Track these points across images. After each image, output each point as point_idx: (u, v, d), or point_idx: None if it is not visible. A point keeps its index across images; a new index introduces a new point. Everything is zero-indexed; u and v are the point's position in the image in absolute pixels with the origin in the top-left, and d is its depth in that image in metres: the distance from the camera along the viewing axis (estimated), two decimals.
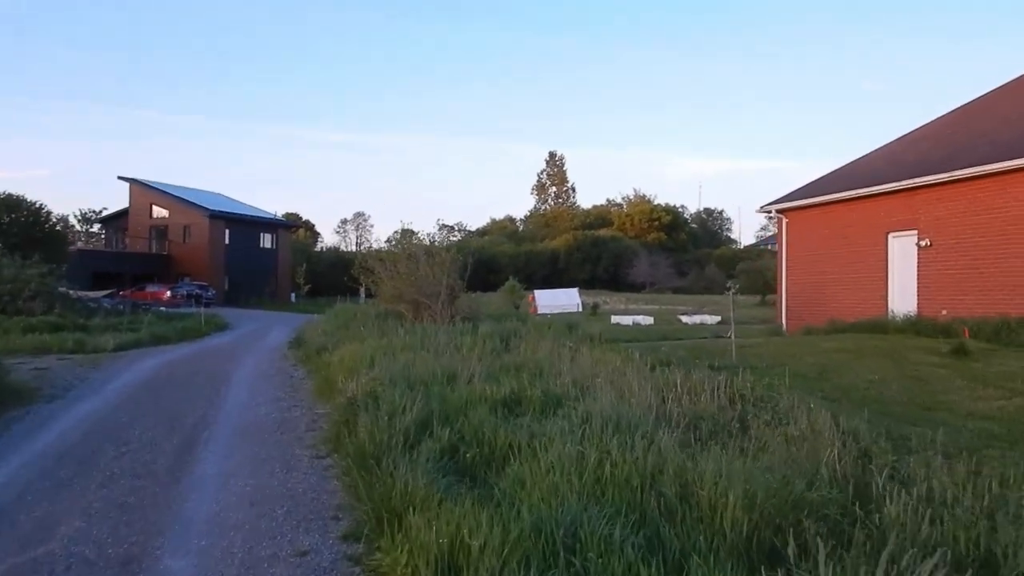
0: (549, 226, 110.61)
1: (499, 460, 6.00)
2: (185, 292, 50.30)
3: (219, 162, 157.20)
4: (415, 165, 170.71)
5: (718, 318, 46.96)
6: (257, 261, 62.74)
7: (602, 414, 6.55)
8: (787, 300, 24.77)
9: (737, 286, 18.75)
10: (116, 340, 21.04)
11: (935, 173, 19.15)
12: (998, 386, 11.53)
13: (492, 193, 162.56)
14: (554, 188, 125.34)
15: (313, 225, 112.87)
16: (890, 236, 21.04)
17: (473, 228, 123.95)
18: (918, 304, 19.96)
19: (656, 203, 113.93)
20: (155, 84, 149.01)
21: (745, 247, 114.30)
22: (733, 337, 14.50)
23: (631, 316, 45.13)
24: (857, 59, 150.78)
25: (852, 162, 24.86)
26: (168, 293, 49.51)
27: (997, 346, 15.87)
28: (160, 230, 61.17)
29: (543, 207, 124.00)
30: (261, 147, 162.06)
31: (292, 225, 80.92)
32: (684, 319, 45.63)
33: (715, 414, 7.40)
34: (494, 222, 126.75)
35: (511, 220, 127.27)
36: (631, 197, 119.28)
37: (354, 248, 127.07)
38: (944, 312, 19.09)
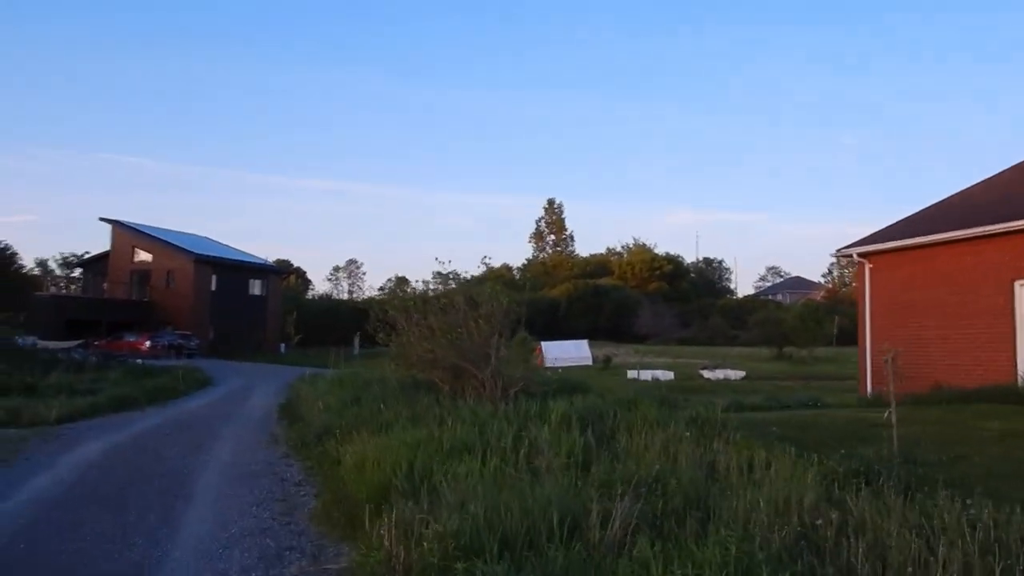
0: (548, 275, 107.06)
1: None
2: (166, 342, 46.26)
3: (209, 211, 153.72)
4: (409, 212, 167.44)
5: (742, 373, 43.32)
6: (245, 309, 58.62)
7: None
8: (872, 361, 20.81)
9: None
10: (66, 406, 16.91)
11: None
12: None
13: (488, 241, 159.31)
14: (552, 236, 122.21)
15: (304, 272, 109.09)
16: (1018, 284, 17.22)
17: (469, 276, 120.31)
18: None
19: (656, 252, 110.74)
20: (144, 132, 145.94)
21: (746, 297, 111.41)
22: (894, 419, 10.54)
23: (648, 371, 41.33)
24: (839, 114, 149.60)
25: (952, 196, 21.14)
26: (147, 343, 45.44)
27: None
28: (142, 275, 57.02)
29: (541, 255, 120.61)
30: (252, 195, 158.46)
31: (283, 271, 76.93)
32: (706, 374, 42.04)
33: None
34: (491, 270, 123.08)
35: (508, 268, 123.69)
36: (631, 245, 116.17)
37: (347, 296, 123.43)
38: None
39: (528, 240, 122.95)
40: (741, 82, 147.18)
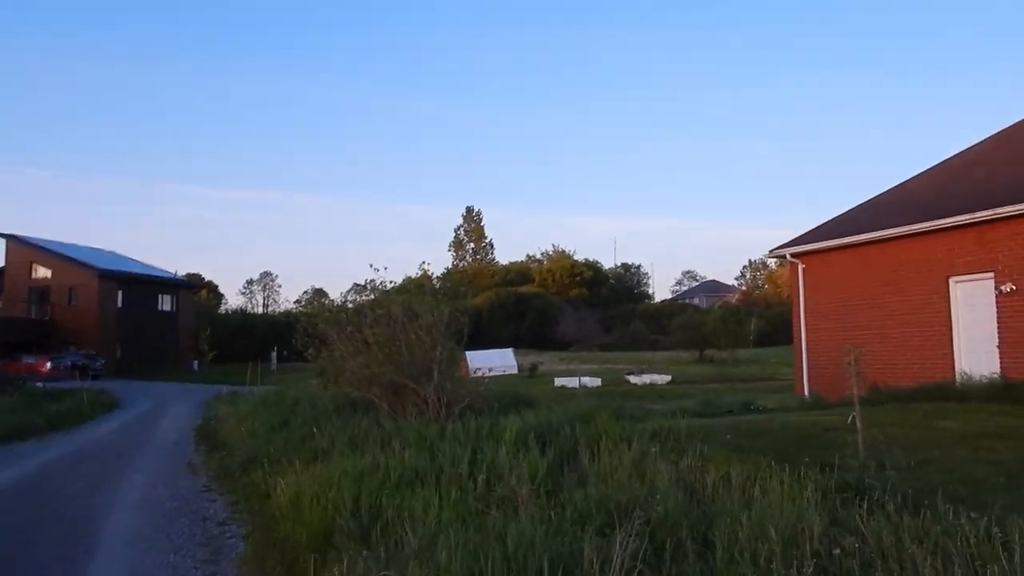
0: (469, 283, 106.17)
1: None
2: (69, 363, 43.61)
3: (115, 224, 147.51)
4: (325, 223, 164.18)
5: (668, 377, 43.31)
6: (155, 326, 55.93)
7: None
8: (808, 362, 20.62)
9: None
10: None
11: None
12: None
13: (407, 251, 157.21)
14: (472, 244, 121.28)
15: (216, 286, 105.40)
16: (952, 281, 17.17)
17: (388, 287, 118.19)
18: (1002, 364, 16.02)
19: (576, 259, 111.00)
20: (42, 143, 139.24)
21: (663, 302, 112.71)
22: (859, 424, 10.04)
23: (575, 378, 40.98)
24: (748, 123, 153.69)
25: (884, 193, 21.10)
26: (48, 365, 42.92)
27: None
28: (41, 292, 53.85)
29: (461, 264, 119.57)
30: (159, 206, 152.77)
31: (194, 285, 73.99)
32: (632, 379, 41.84)
33: None
34: (410, 280, 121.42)
35: (428, 277, 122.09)
36: (550, 252, 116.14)
37: (262, 309, 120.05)
38: None
39: (448, 248, 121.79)
40: (650, 91, 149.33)
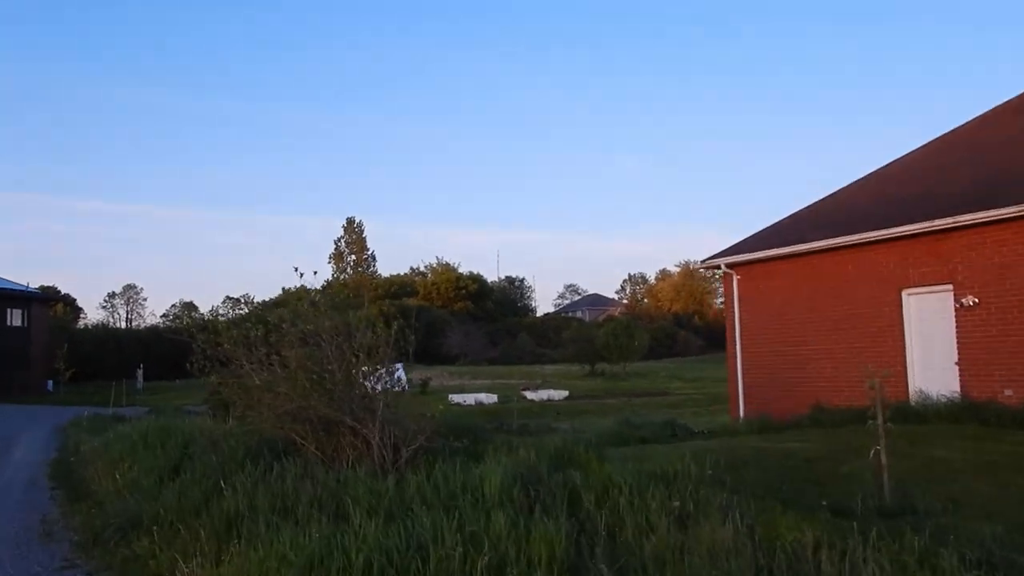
0: (352, 296, 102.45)
1: None
2: None
3: None
4: (195, 235, 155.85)
5: (565, 393, 42.15)
6: (3, 342, 50.32)
7: None
8: (745, 381, 19.35)
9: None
10: None
11: (986, 209, 14.44)
12: None
13: (284, 263, 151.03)
14: (353, 256, 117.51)
15: (74, 300, 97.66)
16: (905, 293, 16.18)
17: (264, 300, 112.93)
18: (962, 382, 15.06)
19: (460, 271, 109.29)
20: None
21: (547, 315, 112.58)
22: (884, 459, 8.48)
23: (471, 394, 39.23)
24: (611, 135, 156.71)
25: (823, 200, 20.10)
26: None
27: None
28: None
29: (342, 276, 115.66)
30: (7, 216, 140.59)
31: (49, 298, 67.77)
32: (528, 395, 40.38)
33: None
34: (288, 293, 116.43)
35: (307, 291, 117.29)
36: (434, 265, 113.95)
37: (125, 324, 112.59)
38: (1009, 392, 14.31)
39: (328, 261, 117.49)
40: (526, 105, 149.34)
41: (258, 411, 8.39)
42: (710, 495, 6.78)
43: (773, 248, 18.40)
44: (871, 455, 8.83)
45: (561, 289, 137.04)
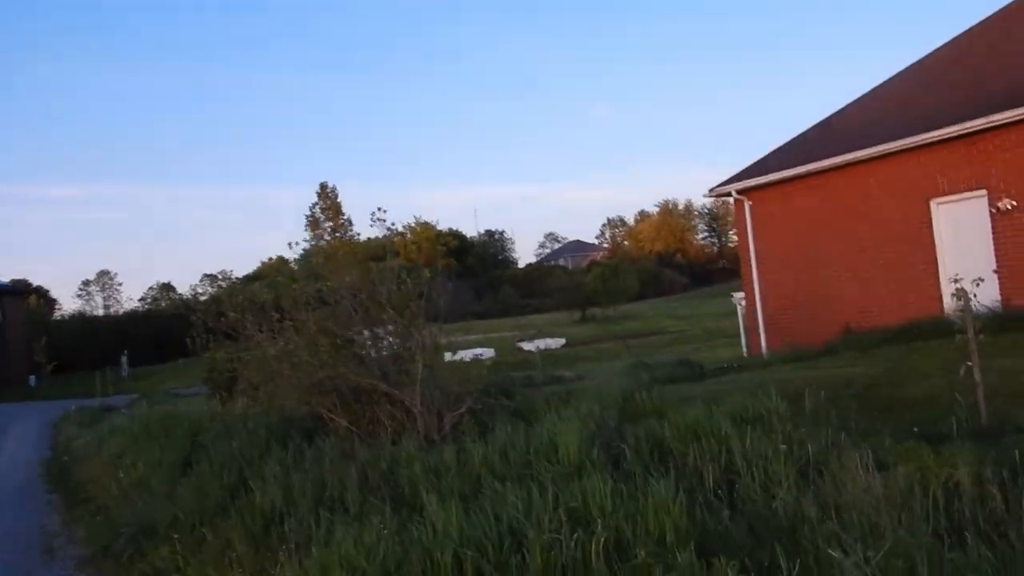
0: (333, 262, 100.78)
1: None
2: None
3: None
4: (166, 213, 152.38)
5: (562, 341, 41.69)
6: None
7: None
8: (764, 310, 18.48)
9: None
10: None
11: (1020, 106, 13.46)
12: None
13: (260, 238, 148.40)
14: (329, 223, 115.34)
15: (47, 291, 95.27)
16: (934, 203, 15.28)
17: (243, 275, 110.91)
18: (1003, 291, 14.25)
19: (440, 229, 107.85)
20: None
21: (529, 265, 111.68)
22: (977, 376, 7.61)
23: (468, 351, 38.39)
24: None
25: (829, 117, 19.05)
26: None
27: None
28: None
29: (319, 243, 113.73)
30: None
31: (21, 291, 65.78)
32: (525, 346, 39.85)
33: None
34: (266, 264, 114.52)
35: (285, 261, 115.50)
36: (413, 225, 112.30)
37: (102, 312, 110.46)
38: None
39: (304, 228, 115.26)
40: (495, 57, 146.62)
41: (276, 385, 7.33)
42: (824, 436, 5.87)
43: (786, 169, 17.40)
44: (962, 373, 7.93)
45: (541, 239, 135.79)
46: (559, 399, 7.79)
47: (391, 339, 7.36)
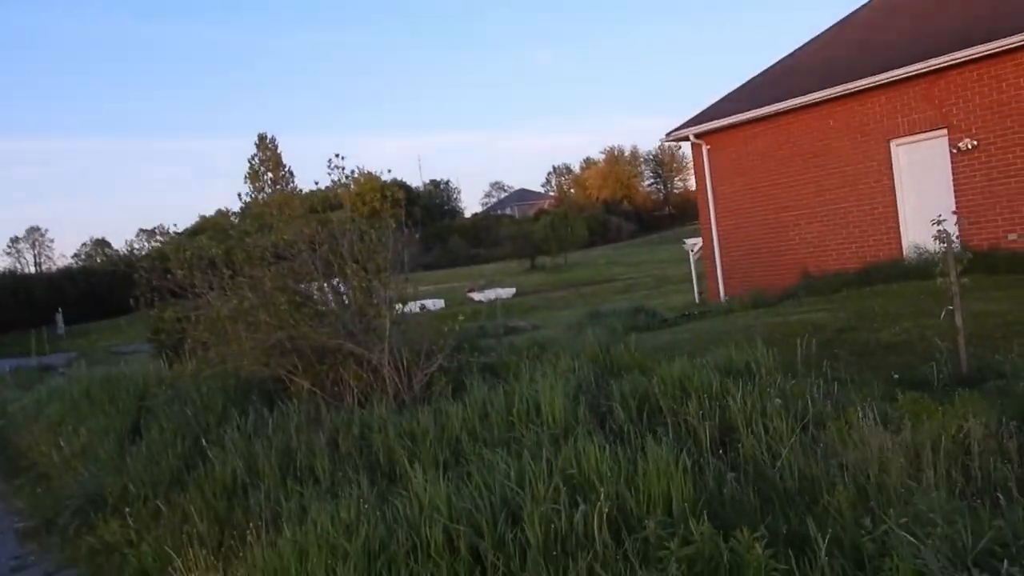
0: (276, 215, 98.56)
1: None
2: None
3: None
4: (99, 167, 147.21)
5: (512, 290, 41.40)
6: None
7: None
8: (722, 256, 18.31)
9: None
10: None
11: (985, 42, 13.28)
12: None
13: (197, 190, 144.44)
14: (270, 174, 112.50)
15: None
16: (894, 144, 15.14)
17: (182, 230, 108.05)
18: (962, 231, 14.21)
19: (385, 180, 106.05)
20: None
21: (476, 215, 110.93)
22: (959, 321, 7.44)
23: (416, 301, 37.84)
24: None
25: (782, 61, 18.71)
26: None
27: None
28: None
29: (260, 196, 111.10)
30: None
31: None
32: (476, 296, 39.51)
33: None
34: (206, 219, 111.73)
35: (225, 214, 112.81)
36: (357, 176, 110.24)
37: (34, 269, 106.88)
38: (1014, 236, 13.56)
39: (244, 181, 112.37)
40: (434, 3, 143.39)
41: (231, 347, 6.80)
42: (816, 387, 5.60)
43: (744, 111, 17.08)
44: (942, 315, 7.77)
45: (487, 188, 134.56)
46: (532, 355, 7.38)
47: (355, 294, 6.85)
